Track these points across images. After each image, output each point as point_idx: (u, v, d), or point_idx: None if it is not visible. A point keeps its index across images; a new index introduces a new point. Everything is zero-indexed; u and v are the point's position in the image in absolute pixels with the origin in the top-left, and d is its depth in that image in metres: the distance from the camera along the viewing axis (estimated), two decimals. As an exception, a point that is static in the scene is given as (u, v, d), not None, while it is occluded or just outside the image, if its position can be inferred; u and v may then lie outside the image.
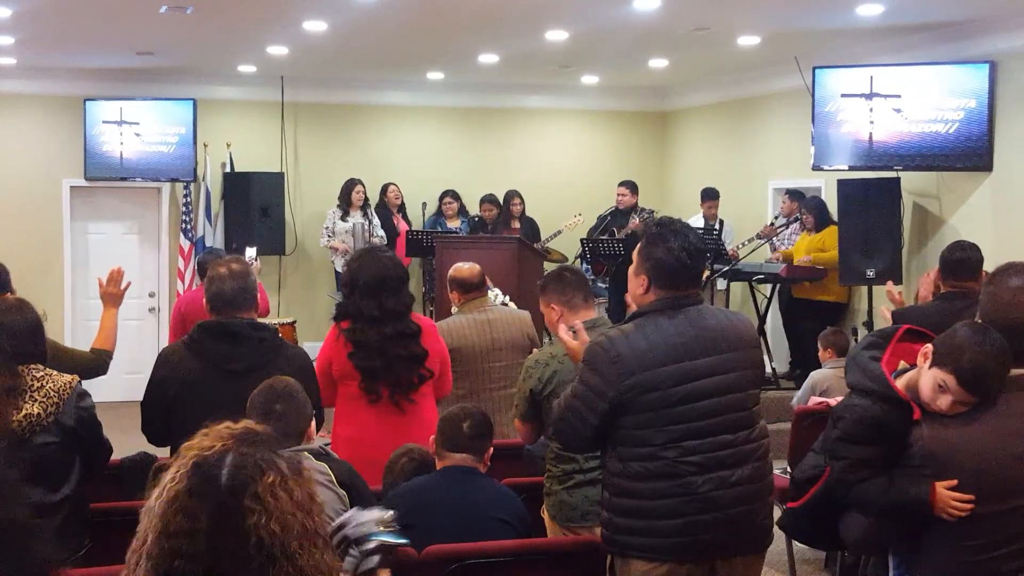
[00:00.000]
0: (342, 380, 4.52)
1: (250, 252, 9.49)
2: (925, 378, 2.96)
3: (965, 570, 2.93)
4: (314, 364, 4.32)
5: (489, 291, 6.60)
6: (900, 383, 3.03)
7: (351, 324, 4.49)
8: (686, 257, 3.29)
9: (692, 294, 3.37)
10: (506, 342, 5.44)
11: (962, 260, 5.08)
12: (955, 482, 2.87)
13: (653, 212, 10.23)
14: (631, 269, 3.44)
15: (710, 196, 10.21)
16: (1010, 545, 2.92)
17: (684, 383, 3.22)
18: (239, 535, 1.60)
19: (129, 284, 4.92)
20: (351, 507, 3.33)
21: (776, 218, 9.57)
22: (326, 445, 3.70)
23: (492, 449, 3.83)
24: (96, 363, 4.50)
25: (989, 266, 7.52)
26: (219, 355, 3.84)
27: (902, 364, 3.11)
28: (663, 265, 3.30)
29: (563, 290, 4.20)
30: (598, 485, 3.98)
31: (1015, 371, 2.96)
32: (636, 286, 3.39)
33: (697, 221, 10.19)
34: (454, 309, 5.64)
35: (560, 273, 4.31)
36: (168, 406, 3.86)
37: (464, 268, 5.64)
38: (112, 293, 4.84)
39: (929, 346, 3.02)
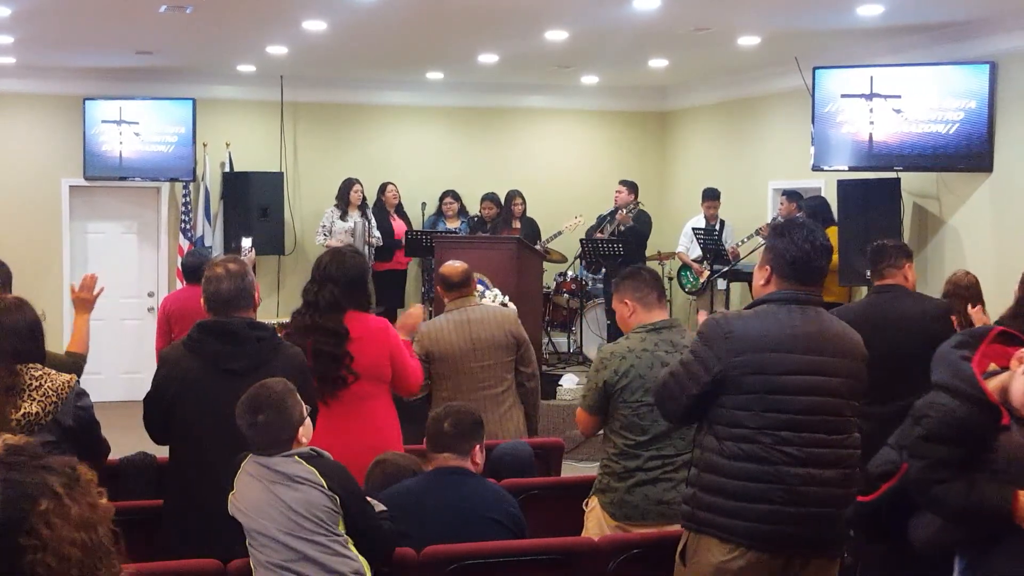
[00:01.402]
0: None
1: (246, 242, 9.50)
2: (1018, 383, 2.91)
3: None
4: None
5: (488, 291, 6.60)
6: (990, 385, 2.97)
7: (298, 308, 4.62)
8: (809, 249, 3.34)
9: (813, 291, 3.40)
10: (487, 341, 5.41)
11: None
12: None
13: (639, 203, 10.21)
14: (757, 262, 3.50)
15: (711, 196, 10.20)
16: None
17: (789, 374, 3.25)
18: None
19: (103, 289, 4.87)
20: (342, 508, 3.33)
21: (774, 219, 9.57)
22: None
23: (482, 449, 3.80)
24: (72, 367, 4.47)
25: (989, 267, 7.53)
26: (218, 355, 3.83)
27: (992, 366, 3.05)
28: (785, 256, 3.35)
29: (638, 287, 4.23)
30: (659, 484, 4.01)
31: None
32: (758, 277, 3.46)
33: (698, 221, 10.20)
34: (445, 302, 5.64)
35: (637, 271, 4.35)
36: (168, 406, 3.86)
37: (448, 266, 5.64)
38: (85, 299, 4.80)
39: None
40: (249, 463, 3.40)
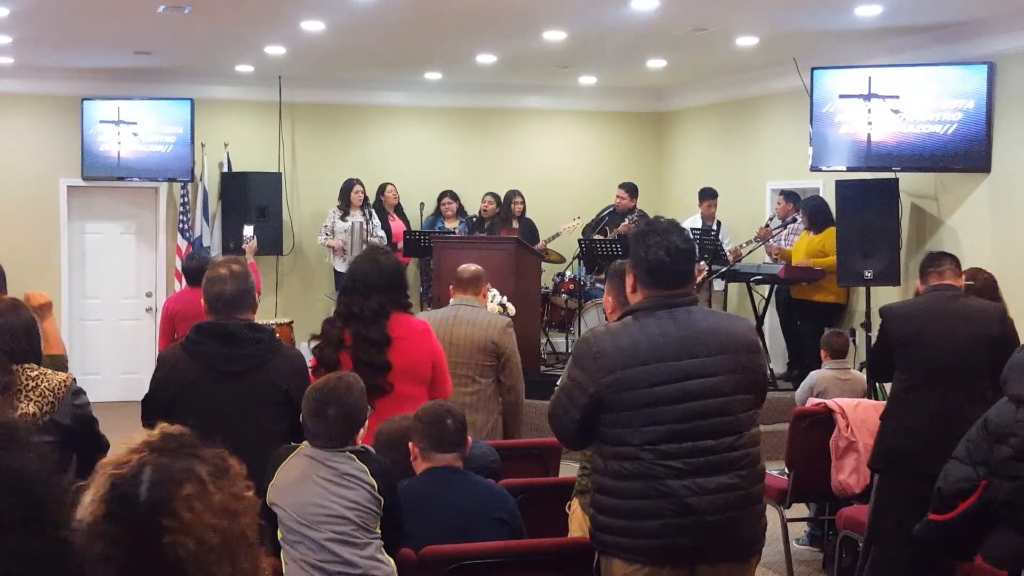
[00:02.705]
0: None
1: (247, 230, 9.50)
2: None
3: None
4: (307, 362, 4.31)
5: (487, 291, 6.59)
6: None
7: (329, 316, 4.54)
8: (664, 255, 3.27)
9: (681, 294, 3.33)
10: (465, 340, 5.40)
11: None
12: None
13: (644, 213, 10.23)
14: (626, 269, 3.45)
15: (708, 196, 10.21)
16: None
17: (663, 383, 3.19)
18: (157, 556, 1.56)
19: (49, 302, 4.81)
20: (384, 511, 3.32)
21: (771, 219, 9.57)
22: None
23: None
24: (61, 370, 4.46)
25: (987, 267, 7.53)
26: (216, 356, 3.83)
27: None
28: (644, 263, 3.31)
29: (623, 288, 4.21)
30: None
31: None
32: (627, 285, 3.41)
33: (695, 222, 10.20)
34: (452, 301, 5.67)
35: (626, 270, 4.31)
36: (166, 407, 3.85)
37: (465, 266, 5.72)
38: (44, 303, 4.74)
39: None
40: (300, 456, 3.36)
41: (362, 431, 3.46)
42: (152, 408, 3.93)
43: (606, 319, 4.17)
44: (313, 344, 4.40)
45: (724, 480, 3.20)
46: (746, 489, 3.25)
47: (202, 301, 3.97)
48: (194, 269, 6.82)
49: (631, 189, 10.40)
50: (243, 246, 9.15)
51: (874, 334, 7.62)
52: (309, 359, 4.43)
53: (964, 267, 7.84)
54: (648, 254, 3.29)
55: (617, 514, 3.25)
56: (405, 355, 4.40)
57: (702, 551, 3.22)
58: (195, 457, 1.64)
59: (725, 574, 3.28)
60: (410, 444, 3.73)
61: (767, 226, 9.43)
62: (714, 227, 10.10)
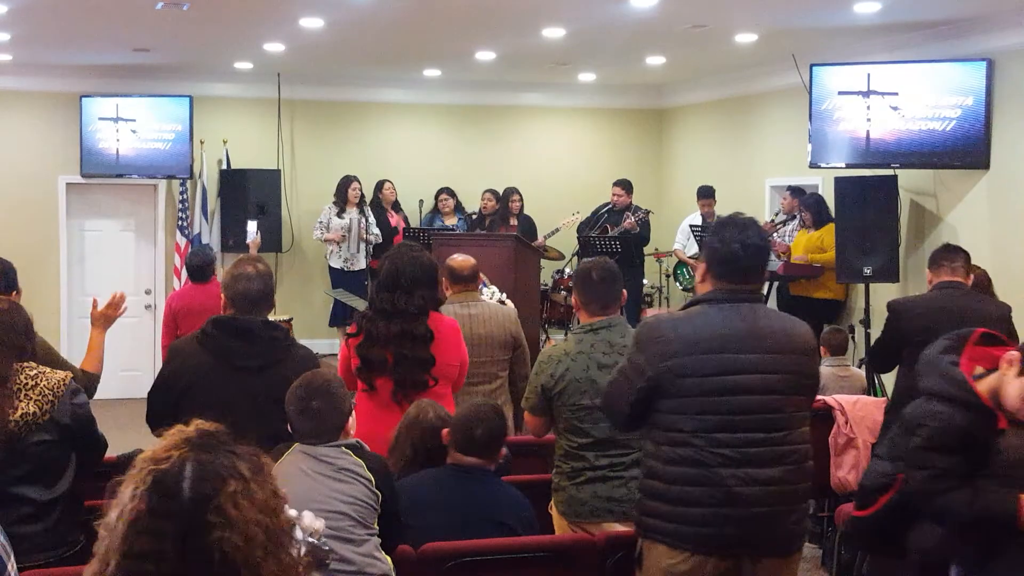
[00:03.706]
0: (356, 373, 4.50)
1: (251, 226, 9.51)
2: (1013, 386, 2.89)
3: None
4: (320, 362, 4.30)
5: (485, 288, 6.59)
6: (980, 388, 2.95)
7: (365, 313, 4.50)
8: (739, 249, 3.31)
9: (749, 289, 3.38)
10: (485, 338, 5.40)
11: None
12: None
13: (649, 212, 10.24)
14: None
15: (705, 195, 10.21)
16: None
17: (722, 374, 3.23)
18: (204, 552, 1.55)
19: (125, 309, 4.85)
20: (380, 506, 3.32)
21: (776, 215, 9.58)
22: None
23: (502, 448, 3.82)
24: (85, 385, 4.46)
25: (986, 264, 7.54)
26: (231, 351, 3.83)
27: (979, 369, 3.04)
28: (717, 255, 3.34)
29: (583, 291, 4.21)
30: (608, 482, 3.99)
31: None
32: (696, 275, 3.47)
33: (695, 219, 10.21)
34: (448, 293, 5.63)
35: (587, 273, 4.25)
36: (177, 399, 3.85)
37: (458, 259, 5.64)
38: (108, 316, 4.78)
39: (1016, 353, 2.95)
40: (294, 452, 3.36)
41: (351, 422, 3.45)
42: (159, 400, 3.94)
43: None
44: (354, 343, 4.37)
45: (772, 473, 3.23)
46: (793, 484, 3.29)
47: (223, 296, 3.97)
48: (197, 266, 6.84)
49: (626, 185, 10.40)
50: (247, 242, 9.15)
51: (874, 330, 7.65)
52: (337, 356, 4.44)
53: (963, 264, 7.85)
54: (723, 246, 3.33)
55: (665, 499, 3.27)
56: (441, 354, 4.41)
57: (747, 543, 3.24)
58: (234, 454, 1.64)
59: (768, 569, 3.29)
60: (443, 431, 3.77)
61: (771, 222, 9.43)
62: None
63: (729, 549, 3.23)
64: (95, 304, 4.83)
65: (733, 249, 3.31)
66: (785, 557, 3.36)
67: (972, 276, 5.36)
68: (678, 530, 3.24)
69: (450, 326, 4.55)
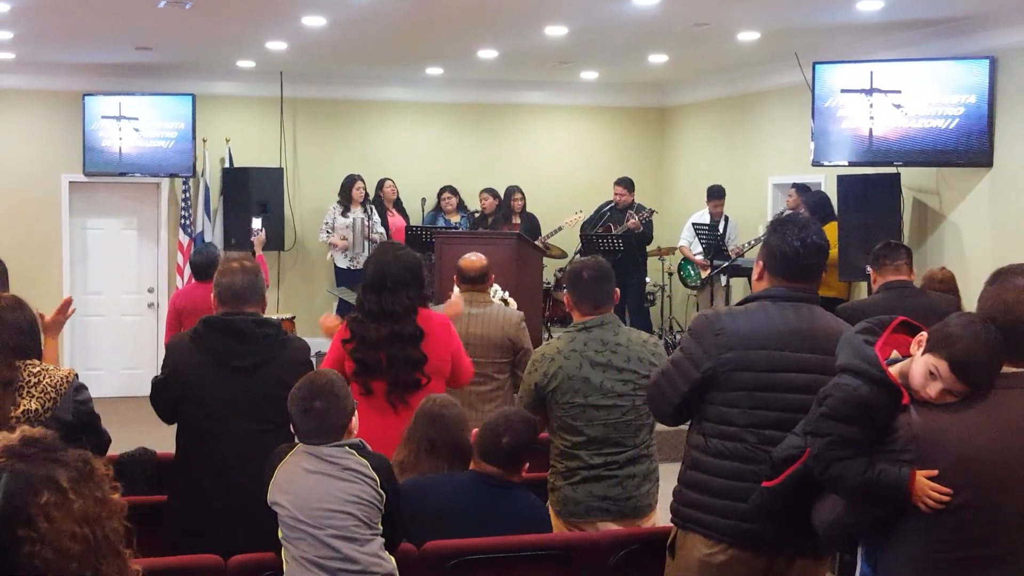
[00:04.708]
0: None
1: (256, 223, 9.52)
2: (917, 364, 2.93)
3: (927, 566, 2.90)
4: (314, 358, 4.32)
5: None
6: (892, 370, 3.00)
7: (354, 316, 4.49)
8: (800, 247, 3.32)
9: (806, 288, 3.38)
10: (480, 339, 5.40)
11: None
12: (936, 472, 2.85)
13: (653, 211, 10.24)
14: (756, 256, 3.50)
15: (716, 195, 10.17)
16: (976, 549, 2.87)
17: (778, 371, 3.23)
18: (15, 568, 1.50)
19: (74, 311, 4.79)
20: (386, 504, 3.32)
21: (781, 213, 9.57)
22: None
23: (528, 463, 3.79)
24: None
25: (988, 262, 7.53)
26: (224, 351, 3.85)
27: (895, 354, 3.09)
28: (776, 253, 3.34)
29: (575, 290, 4.24)
30: (603, 481, 3.99)
31: (1009, 368, 2.94)
32: (754, 272, 3.46)
33: (703, 217, 10.21)
34: (454, 292, 5.62)
35: (579, 274, 4.29)
36: (178, 395, 3.90)
37: (467, 259, 5.65)
38: (59, 321, 4.74)
39: (924, 333, 3.00)
40: (298, 453, 3.35)
41: (354, 423, 3.45)
42: (163, 393, 3.98)
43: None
44: (348, 348, 4.37)
45: None
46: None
47: (212, 295, 4.01)
48: (201, 264, 6.85)
49: (628, 184, 10.39)
50: (251, 239, 9.16)
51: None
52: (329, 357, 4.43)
53: (965, 262, 7.87)
54: (784, 244, 3.33)
55: (709, 491, 3.27)
56: (432, 351, 4.41)
57: (786, 542, 3.24)
58: (56, 462, 1.57)
59: (801, 569, 3.30)
60: (473, 431, 3.78)
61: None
62: (720, 223, 10.10)
63: (766, 546, 3.24)
64: (42, 317, 4.76)
65: (794, 247, 3.32)
66: (819, 559, 3.38)
67: (914, 272, 5.41)
68: (717, 522, 3.25)
69: (440, 322, 4.54)
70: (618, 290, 4.27)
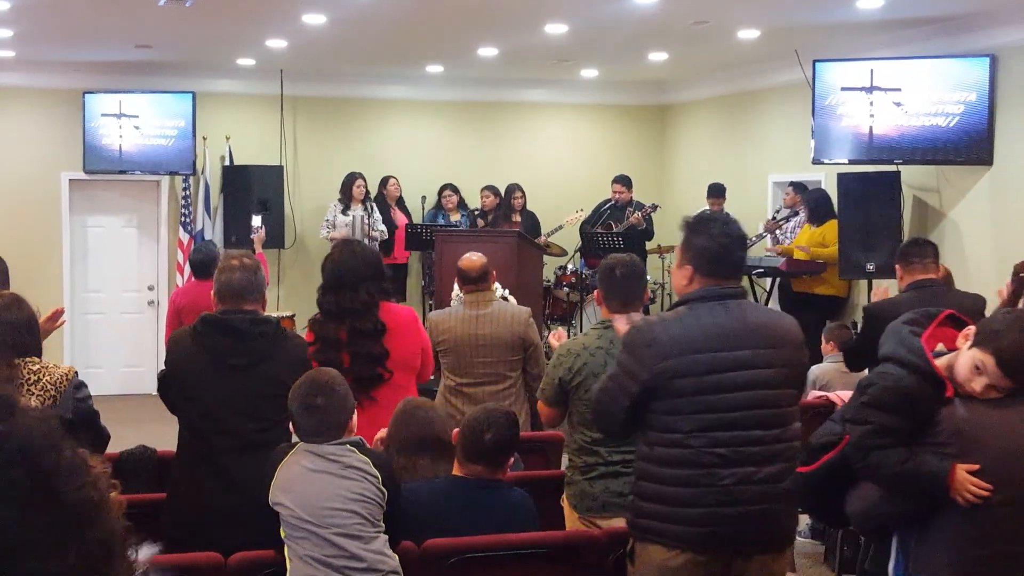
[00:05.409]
0: None
1: (256, 220, 9.52)
2: (963, 357, 2.90)
3: (961, 561, 2.89)
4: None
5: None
6: (938, 362, 2.97)
7: (314, 317, 4.52)
8: (728, 242, 3.31)
9: (734, 285, 3.37)
10: (491, 338, 5.40)
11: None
12: (977, 467, 2.83)
13: (655, 206, 10.23)
14: (674, 264, 3.45)
15: (716, 193, 10.16)
16: (1013, 545, 2.86)
17: (716, 372, 3.21)
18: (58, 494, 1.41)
19: (63, 322, 4.77)
20: (388, 501, 3.32)
21: (778, 211, 9.57)
22: None
23: (511, 459, 3.77)
24: None
25: (988, 260, 7.53)
26: (220, 349, 3.86)
27: (940, 347, 3.06)
28: (705, 253, 3.31)
29: (605, 286, 4.23)
30: (620, 477, 4.00)
31: None
32: (680, 278, 3.40)
33: (702, 214, 10.20)
34: (455, 293, 5.62)
35: (611, 270, 4.26)
36: (176, 391, 3.93)
37: (466, 259, 5.63)
38: (48, 330, 4.73)
39: (972, 327, 2.98)
40: (299, 451, 3.35)
41: (355, 421, 3.45)
42: (167, 386, 4.02)
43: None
44: (311, 350, 4.35)
45: (770, 471, 3.22)
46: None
47: (212, 292, 4.01)
48: (201, 262, 6.85)
49: (626, 181, 10.39)
50: (251, 236, 9.16)
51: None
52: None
53: (965, 260, 7.86)
54: (711, 242, 3.31)
55: (661, 500, 3.26)
56: (396, 347, 4.41)
57: (743, 541, 3.24)
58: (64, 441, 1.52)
59: (760, 566, 3.30)
60: (454, 432, 3.74)
61: (774, 218, 9.43)
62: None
63: (725, 547, 3.24)
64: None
65: (722, 243, 3.30)
66: (777, 553, 3.37)
67: (942, 269, 5.37)
68: (672, 530, 3.24)
69: (406, 315, 4.56)
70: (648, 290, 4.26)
